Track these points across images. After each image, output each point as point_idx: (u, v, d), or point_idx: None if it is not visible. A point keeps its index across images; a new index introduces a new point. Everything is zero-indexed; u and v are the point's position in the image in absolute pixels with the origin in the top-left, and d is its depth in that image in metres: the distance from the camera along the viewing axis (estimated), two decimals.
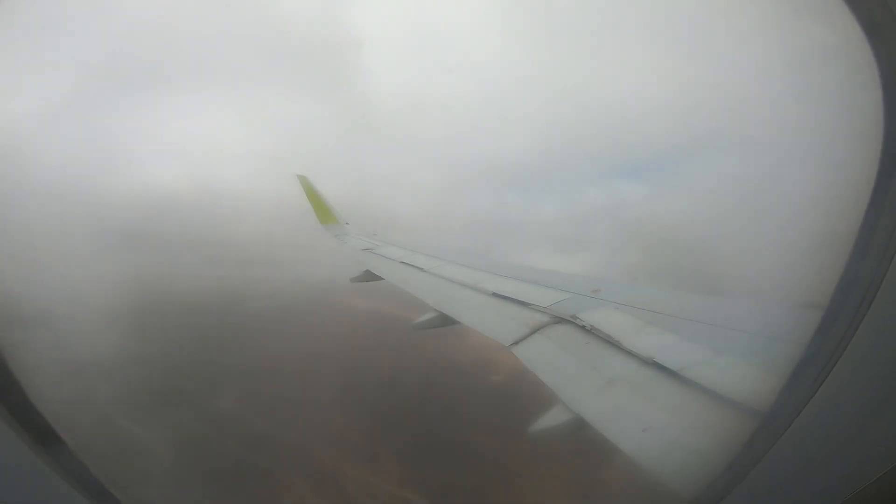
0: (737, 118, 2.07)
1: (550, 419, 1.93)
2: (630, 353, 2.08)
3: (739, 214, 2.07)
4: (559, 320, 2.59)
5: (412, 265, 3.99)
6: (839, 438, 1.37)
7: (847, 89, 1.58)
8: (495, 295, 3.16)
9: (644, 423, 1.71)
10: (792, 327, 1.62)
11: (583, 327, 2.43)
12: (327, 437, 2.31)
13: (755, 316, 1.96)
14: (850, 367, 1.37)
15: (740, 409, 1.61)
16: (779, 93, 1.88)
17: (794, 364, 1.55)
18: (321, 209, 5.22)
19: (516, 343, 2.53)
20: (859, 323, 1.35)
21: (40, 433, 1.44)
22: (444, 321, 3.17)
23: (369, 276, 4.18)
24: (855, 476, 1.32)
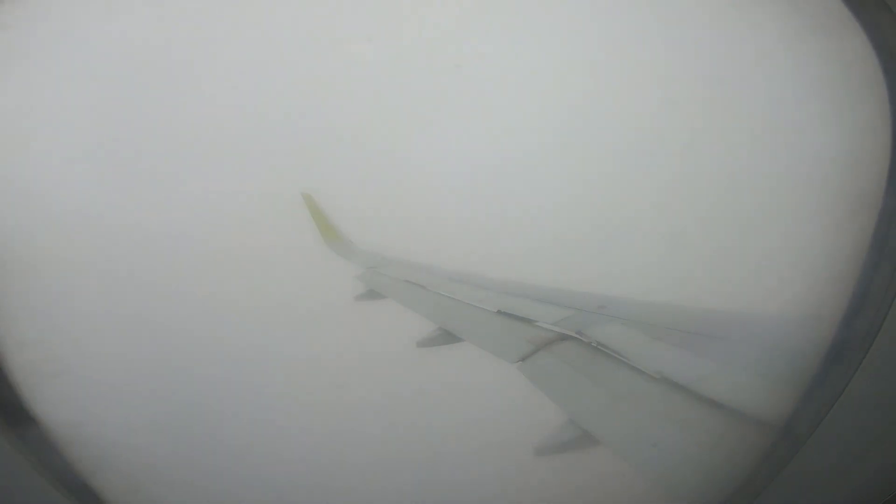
0: (747, 128, 2.06)
1: (557, 437, 1.88)
2: (637, 369, 2.03)
3: (750, 224, 2.04)
4: (564, 337, 2.55)
5: (416, 283, 3.97)
6: (859, 453, 1.32)
7: (856, 103, 1.58)
8: (499, 312, 3.12)
9: (653, 439, 1.66)
10: (806, 338, 1.58)
11: (588, 344, 2.38)
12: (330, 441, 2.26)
13: (767, 327, 1.92)
14: (869, 379, 1.33)
15: (753, 424, 1.56)
16: (790, 105, 1.88)
17: (810, 376, 1.50)
18: (325, 227, 5.21)
19: (521, 360, 2.49)
20: (877, 332, 1.31)
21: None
22: (448, 339, 3.12)
23: (373, 295, 4.15)
24: (875, 492, 1.27)
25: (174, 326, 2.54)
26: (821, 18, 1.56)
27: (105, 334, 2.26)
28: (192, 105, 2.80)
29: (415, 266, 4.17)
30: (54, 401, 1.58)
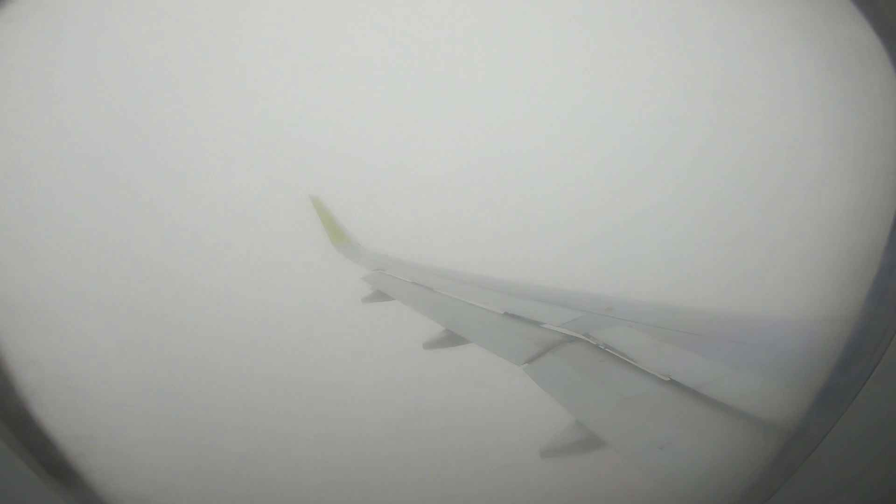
0: (758, 132, 2.04)
1: (564, 438, 1.87)
2: (645, 371, 2.01)
3: (761, 227, 2.02)
4: (572, 339, 2.54)
5: (423, 285, 3.97)
6: (870, 460, 1.29)
7: (869, 108, 1.56)
8: (506, 314, 3.11)
9: (661, 442, 1.64)
10: (819, 342, 1.55)
11: (596, 346, 2.37)
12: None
13: (779, 331, 1.89)
14: (882, 385, 1.30)
15: (763, 428, 1.54)
16: (802, 110, 1.86)
17: (822, 381, 1.47)
18: (333, 230, 5.25)
19: (528, 362, 2.47)
20: (891, 338, 1.28)
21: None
22: (455, 341, 3.12)
23: (380, 297, 4.17)
24: (888, 499, 1.24)
25: (183, 329, 2.57)
26: (829, 17, 1.54)
27: (116, 338, 2.29)
28: (201, 109, 2.83)
29: (421, 268, 4.18)
30: (63, 413, 1.59)
